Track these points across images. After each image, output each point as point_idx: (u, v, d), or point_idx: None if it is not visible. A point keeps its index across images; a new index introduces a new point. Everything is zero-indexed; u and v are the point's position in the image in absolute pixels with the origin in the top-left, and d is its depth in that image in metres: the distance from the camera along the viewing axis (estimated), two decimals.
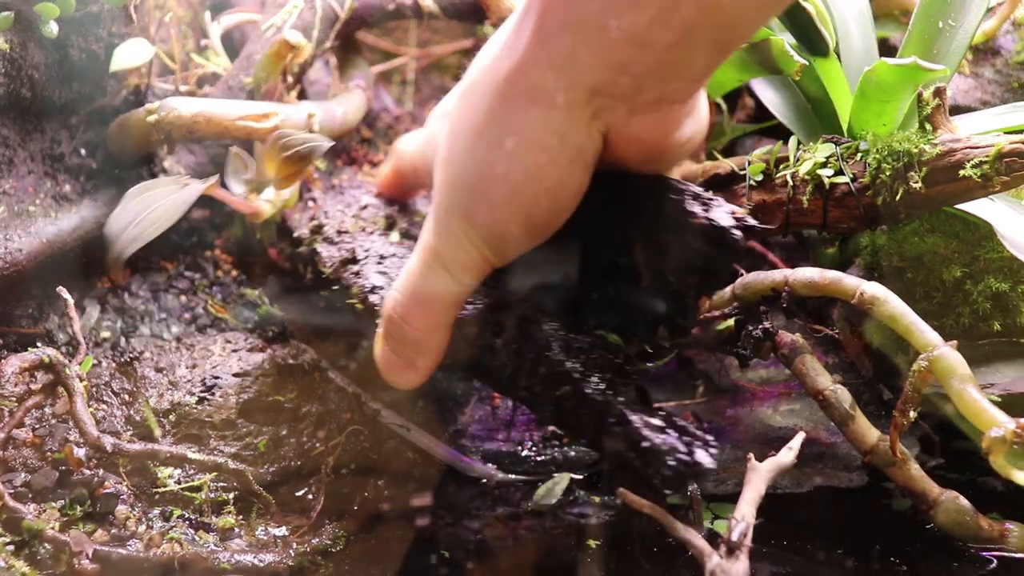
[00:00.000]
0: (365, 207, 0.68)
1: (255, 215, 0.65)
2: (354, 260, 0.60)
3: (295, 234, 0.68)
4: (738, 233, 0.45)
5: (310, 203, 0.70)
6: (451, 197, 0.46)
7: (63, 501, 0.58)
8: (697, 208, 0.45)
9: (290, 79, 0.76)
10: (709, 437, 0.45)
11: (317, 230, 0.65)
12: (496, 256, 0.46)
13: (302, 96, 0.81)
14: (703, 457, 0.44)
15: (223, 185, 0.64)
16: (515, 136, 0.43)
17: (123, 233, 0.53)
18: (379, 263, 0.60)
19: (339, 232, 0.64)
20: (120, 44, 0.71)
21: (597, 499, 0.68)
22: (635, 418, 0.45)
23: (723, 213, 0.45)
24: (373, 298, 0.57)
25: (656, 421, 0.45)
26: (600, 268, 0.49)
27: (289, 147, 0.61)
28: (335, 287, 0.61)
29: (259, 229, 0.75)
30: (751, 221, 0.46)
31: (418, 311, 0.49)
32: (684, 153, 0.47)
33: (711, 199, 0.46)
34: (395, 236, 0.63)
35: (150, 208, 0.56)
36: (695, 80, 0.43)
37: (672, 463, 0.44)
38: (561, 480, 0.69)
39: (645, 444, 0.44)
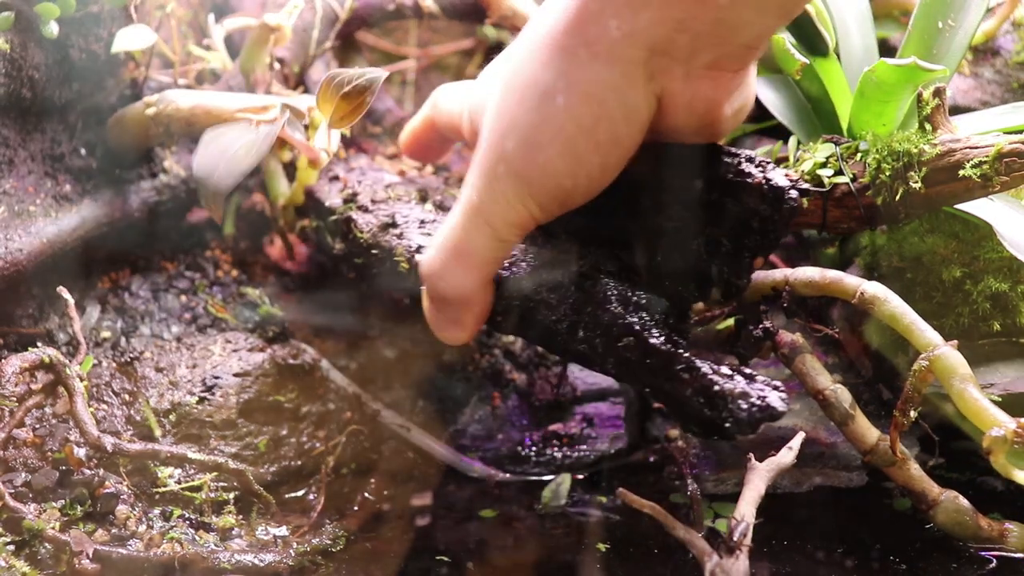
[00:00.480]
0: (390, 185, 0.68)
1: (316, 162, 0.65)
2: (394, 224, 0.60)
3: (327, 203, 0.67)
4: (795, 193, 0.45)
5: (334, 177, 0.70)
6: (501, 149, 0.45)
7: (63, 501, 0.58)
8: (753, 170, 0.46)
9: (277, 66, 0.76)
10: (778, 383, 0.45)
11: (351, 199, 0.65)
12: (541, 211, 0.46)
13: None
14: (775, 400, 0.44)
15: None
16: (571, 89, 0.42)
17: (215, 170, 0.53)
18: (420, 227, 0.59)
19: (373, 201, 0.64)
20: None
21: (597, 499, 0.68)
22: (703, 365, 0.45)
23: (779, 175, 0.46)
24: (420, 257, 0.56)
25: (724, 369, 0.45)
26: (656, 230, 0.49)
27: (347, 83, 0.60)
28: (374, 251, 0.61)
29: (280, 214, 0.75)
30: (805, 184, 0.46)
31: (457, 267, 0.48)
32: (733, 125, 0.47)
33: (766, 162, 0.47)
34: (429, 207, 0.63)
35: (233, 147, 0.56)
36: (751, 46, 0.43)
37: (744, 407, 0.43)
38: (564, 481, 0.69)
39: (716, 388, 0.44)
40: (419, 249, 0.57)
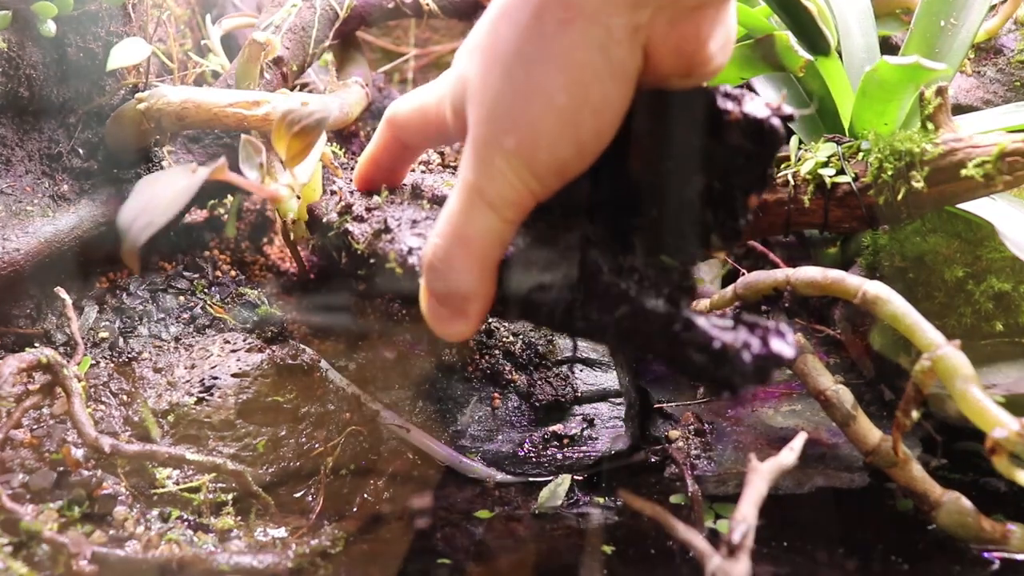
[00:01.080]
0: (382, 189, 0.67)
1: (274, 199, 0.64)
2: (387, 230, 0.59)
3: (324, 219, 0.66)
4: (777, 122, 0.44)
5: (333, 191, 0.70)
6: (491, 127, 0.44)
7: (61, 502, 0.58)
8: (730, 105, 0.44)
9: (267, 75, 0.76)
10: (783, 327, 0.44)
11: (346, 211, 0.64)
12: (541, 186, 0.44)
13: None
14: (780, 347, 0.42)
15: (238, 172, 0.63)
16: (555, 55, 0.41)
17: (134, 223, 0.52)
18: (412, 227, 0.58)
19: (368, 209, 0.63)
20: (117, 43, 0.70)
21: (597, 500, 0.68)
22: (702, 321, 0.44)
23: (758, 105, 0.44)
24: (412, 260, 0.55)
25: (723, 321, 0.44)
26: (644, 185, 0.48)
27: (296, 122, 0.60)
28: (372, 260, 0.59)
29: (291, 229, 0.75)
30: (788, 109, 0.44)
31: (462, 254, 0.47)
32: (722, 60, 0.46)
33: (741, 93, 0.45)
34: (423, 202, 0.62)
35: (160, 195, 0.55)
36: None
37: (748, 358, 0.42)
38: (563, 482, 0.69)
39: (716, 345, 0.43)
40: (411, 251, 0.56)
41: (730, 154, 0.44)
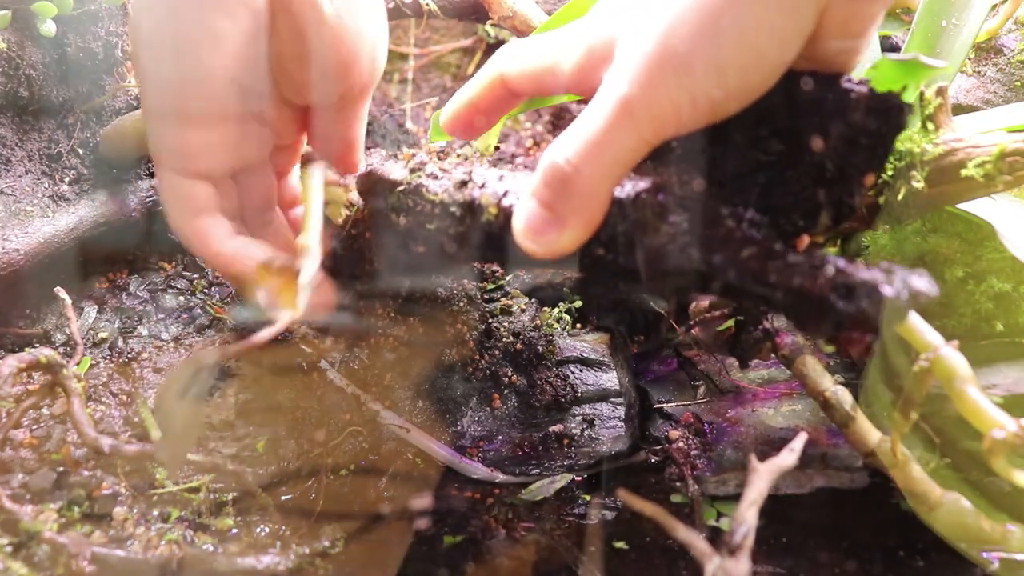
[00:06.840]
0: (457, 154, 0.66)
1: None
2: (471, 181, 0.57)
3: (390, 177, 0.61)
4: (899, 102, 0.44)
5: (394, 157, 0.66)
6: (668, 43, 0.44)
7: (61, 502, 0.58)
8: (855, 86, 0.45)
9: None
10: (919, 270, 0.44)
11: (419, 168, 0.61)
12: (692, 114, 0.45)
13: None
14: (921, 284, 0.43)
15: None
16: None
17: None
18: (500, 180, 0.56)
19: (442, 170, 0.61)
20: (117, 43, 0.70)
21: (597, 500, 0.68)
22: (836, 259, 0.43)
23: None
24: (507, 201, 0.54)
25: (858, 263, 0.44)
26: (754, 164, 0.48)
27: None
28: (452, 209, 0.57)
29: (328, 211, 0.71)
30: (907, 97, 0.45)
31: (593, 159, 0.46)
32: (857, 63, 0.47)
33: (864, 79, 0.46)
34: (504, 171, 0.61)
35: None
36: None
37: (891, 292, 0.42)
38: (559, 480, 0.69)
39: (857, 279, 0.42)
40: (506, 194, 0.55)
41: (853, 134, 0.45)
